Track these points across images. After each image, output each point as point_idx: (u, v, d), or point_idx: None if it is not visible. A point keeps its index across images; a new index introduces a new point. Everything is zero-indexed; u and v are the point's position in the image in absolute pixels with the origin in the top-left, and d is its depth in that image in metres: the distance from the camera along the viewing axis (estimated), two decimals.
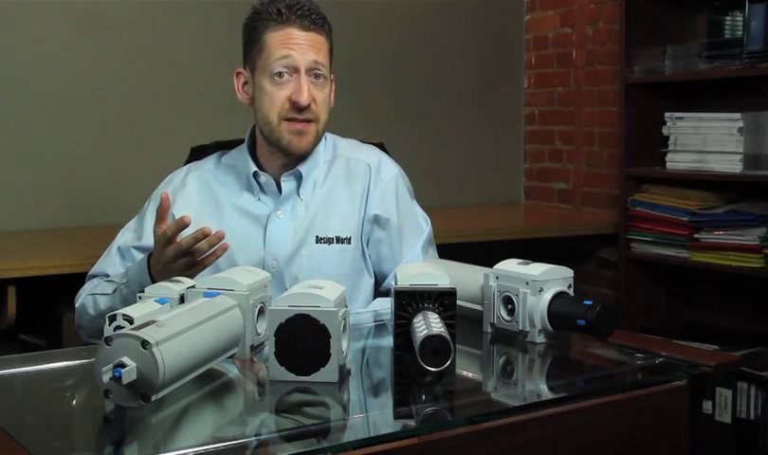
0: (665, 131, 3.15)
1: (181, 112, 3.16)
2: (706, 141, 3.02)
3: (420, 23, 3.72)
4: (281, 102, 1.77)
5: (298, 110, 1.76)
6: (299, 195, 1.85)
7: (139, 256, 1.83)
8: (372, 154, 1.94)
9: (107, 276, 1.83)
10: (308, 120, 1.78)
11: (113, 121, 3.07)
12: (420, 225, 1.95)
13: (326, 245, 1.83)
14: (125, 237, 1.88)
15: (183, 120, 3.13)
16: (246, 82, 1.84)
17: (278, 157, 1.84)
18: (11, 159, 2.90)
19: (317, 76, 1.78)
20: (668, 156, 3.14)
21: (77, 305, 1.83)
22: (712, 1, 3.16)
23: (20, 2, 2.89)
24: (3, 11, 2.87)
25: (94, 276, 1.87)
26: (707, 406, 2.86)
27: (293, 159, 1.83)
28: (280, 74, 1.76)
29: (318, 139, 1.83)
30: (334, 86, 1.88)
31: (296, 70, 1.76)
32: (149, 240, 1.83)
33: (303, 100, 1.75)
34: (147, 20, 3.12)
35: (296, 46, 1.76)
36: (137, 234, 1.87)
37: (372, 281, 1.90)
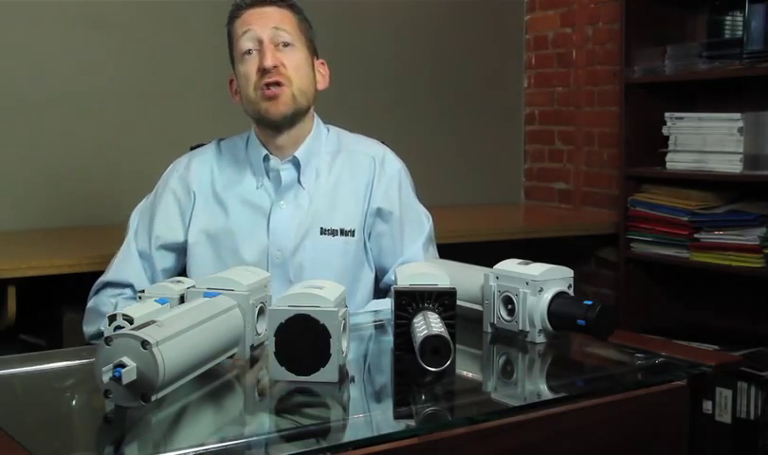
0: (665, 131, 3.15)
1: (181, 112, 3.16)
2: (706, 141, 3.01)
3: (420, 23, 3.72)
4: (252, 75, 1.78)
5: (265, 73, 1.77)
6: (300, 184, 1.85)
7: (165, 257, 1.83)
8: (376, 148, 1.94)
9: (131, 286, 1.80)
10: (278, 84, 1.77)
11: (113, 121, 3.07)
12: (422, 221, 1.95)
13: (330, 236, 1.83)
14: (142, 241, 1.85)
15: (183, 120, 3.13)
16: (237, 87, 1.86)
17: (273, 140, 1.83)
18: (11, 159, 2.90)
19: (284, 44, 1.79)
20: (668, 156, 3.14)
21: (90, 306, 1.82)
22: (712, 1, 3.16)
23: (20, 2, 2.89)
24: (3, 11, 2.87)
25: (110, 283, 1.83)
26: (707, 406, 2.86)
27: (289, 143, 1.83)
28: (248, 51, 1.78)
29: (296, 105, 1.81)
30: (326, 70, 1.90)
31: (260, 42, 1.78)
32: (170, 236, 1.83)
33: (267, 61, 1.75)
34: (147, 20, 3.12)
35: (255, 21, 1.79)
36: (154, 234, 1.84)
37: (372, 274, 1.91)
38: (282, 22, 1.79)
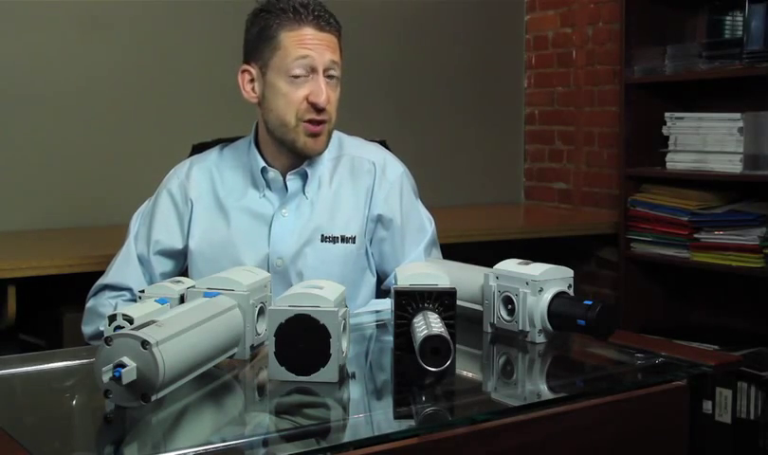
0: (665, 131, 3.15)
1: (181, 111, 3.16)
2: (706, 141, 3.01)
3: (420, 23, 3.72)
4: (298, 103, 1.75)
5: (316, 111, 1.76)
6: (304, 194, 1.84)
7: (163, 262, 1.83)
8: (377, 153, 1.93)
9: (130, 290, 1.80)
10: (323, 122, 1.78)
11: (113, 121, 3.07)
12: (424, 225, 1.94)
13: (331, 243, 1.83)
14: (141, 245, 1.85)
15: (183, 119, 3.13)
16: (252, 80, 1.81)
17: (285, 157, 1.83)
18: (12, 159, 2.90)
19: (331, 76, 1.77)
20: (668, 156, 3.14)
21: (89, 306, 1.81)
22: (712, 1, 3.16)
23: (20, 2, 2.89)
24: (3, 11, 2.87)
25: (109, 285, 1.83)
26: (707, 406, 2.86)
27: (301, 159, 1.83)
28: (297, 75, 1.75)
29: (329, 140, 1.83)
30: None
31: (313, 70, 1.75)
32: (168, 242, 1.83)
33: (323, 101, 1.74)
34: (147, 19, 3.12)
35: (314, 47, 1.75)
36: (153, 239, 1.84)
37: (374, 280, 1.91)
38: (334, 53, 1.77)
